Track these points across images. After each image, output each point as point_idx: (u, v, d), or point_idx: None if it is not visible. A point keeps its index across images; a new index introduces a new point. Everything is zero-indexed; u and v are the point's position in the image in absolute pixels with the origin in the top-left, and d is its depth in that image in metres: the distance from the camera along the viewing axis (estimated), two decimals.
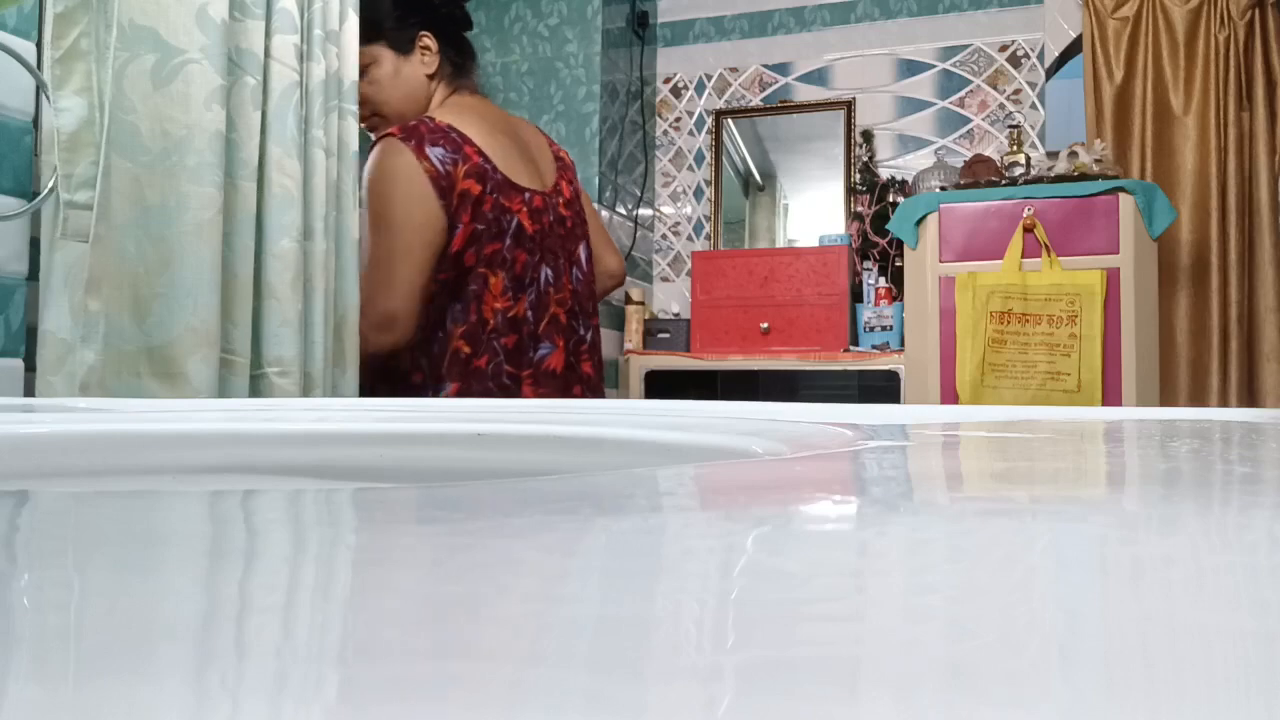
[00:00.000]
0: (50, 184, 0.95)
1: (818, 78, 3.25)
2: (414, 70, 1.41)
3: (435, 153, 1.31)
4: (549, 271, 1.44)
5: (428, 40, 1.41)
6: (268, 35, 1.10)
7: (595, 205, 2.93)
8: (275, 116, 1.11)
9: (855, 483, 0.26)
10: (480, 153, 1.36)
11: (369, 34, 1.34)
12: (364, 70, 1.35)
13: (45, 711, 0.08)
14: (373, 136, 1.43)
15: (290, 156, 1.11)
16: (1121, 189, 2.21)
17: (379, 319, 1.29)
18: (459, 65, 1.47)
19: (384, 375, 1.35)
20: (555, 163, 1.55)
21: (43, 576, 0.13)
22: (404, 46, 1.40)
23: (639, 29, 3.22)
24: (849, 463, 0.31)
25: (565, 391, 1.44)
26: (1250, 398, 2.55)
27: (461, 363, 1.33)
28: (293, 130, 1.12)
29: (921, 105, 3.14)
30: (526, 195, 1.41)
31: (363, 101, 1.36)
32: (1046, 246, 2.22)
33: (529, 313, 1.40)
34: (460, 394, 1.33)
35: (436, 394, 1.33)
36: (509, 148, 1.43)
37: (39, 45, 1.00)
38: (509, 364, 1.36)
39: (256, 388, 1.08)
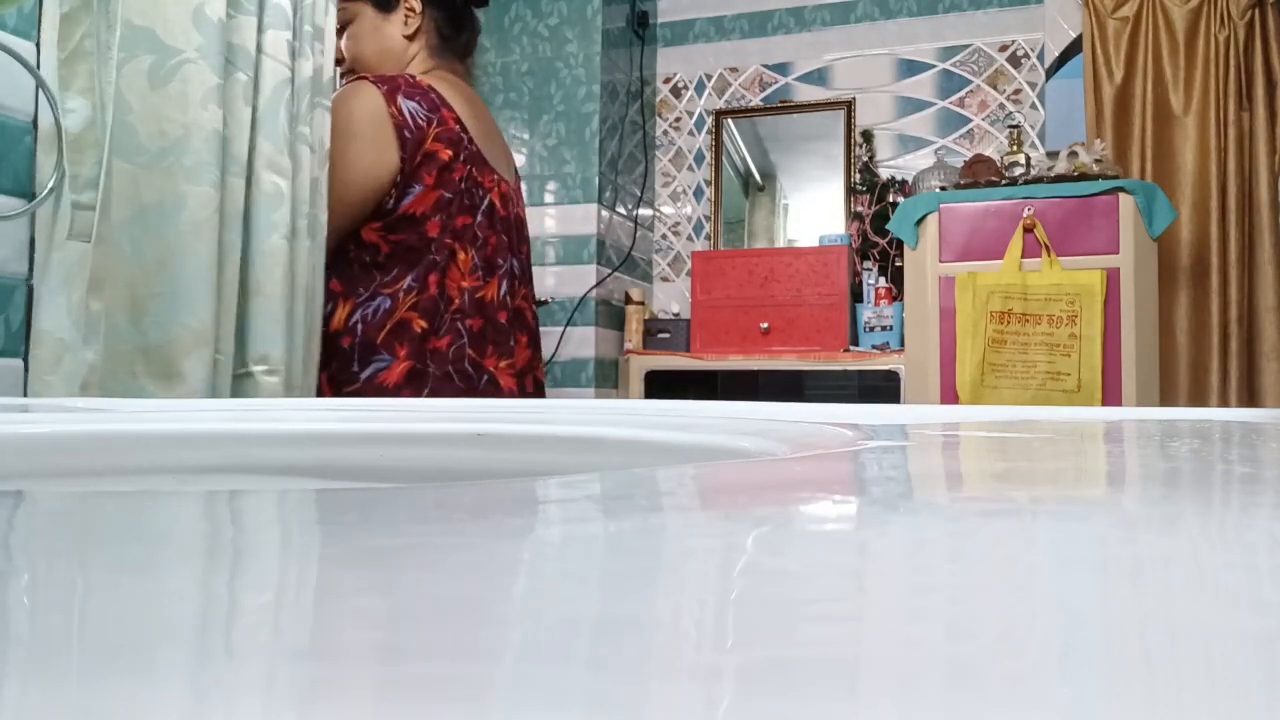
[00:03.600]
0: (50, 184, 0.95)
1: (818, 78, 3.25)
2: (393, 29, 1.37)
3: (408, 105, 1.27)
4: (516, 263, 1.39)
5: (413, 1, 1.38)
6: (260, 31, 1.10)
7: (595, 205, 2.94)
8: (267, 113, 1.10)
9: (855, 483, 0.26)
10: (458, 120, 1.32)
11: None
12: (344, 26, 1.35)
13: (45, 711, 0.08)
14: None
15: (281, 153, 1.10)
16: (1121, 189, 2.21)
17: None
18: (448, 39, 1.42)
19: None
20: (514, 170, 1.52)
21: (42, 576, 0.13)
22: (387, 3, 1.37)
23: (639, 29, 3.22)
24: (849, 463, 0.31)
25: (520, 392, 1.39)
26: (1250, 398, 2.55)
27: (415, 339, 1.25)
28: (284, 127, 1.11)
29: (921, 105, 3.14)
30: (496, 177, 1.38)
31: (340, 58, 1.35)
32: (1046, 246, 2.22)
33: (504, 297, 1.35)
34: (412, 373, 1.25)
35: (365, 366, 1.24)
36: (487, 130, 1.40)
37: (39, 45, 1.00)
38: (473, 349, 1.30)
39: (242, 387, 1.08)
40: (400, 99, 1.26)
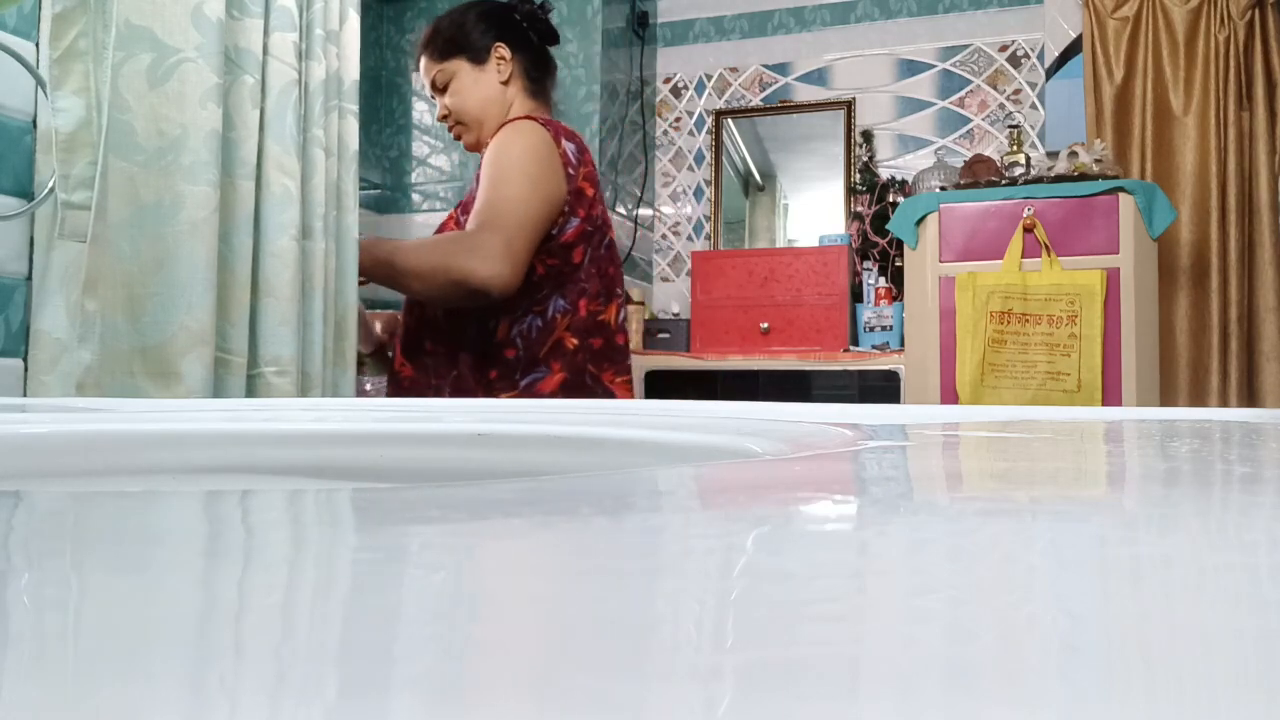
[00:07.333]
0: (50, 184, 0.95)
1: (818, 78, 3.25)
2: (490, 78, 1.50)
3: (568, 146, 1.43)
4: (622, 291, 1.53)
5: (503, 50, 1.50)
6: (266, 33, 1.10)
7: None
8: (274, 114, 1.11)
9: (855, 483, 0.26)
10: (594, 162, 1.48)
11: (449, 52, 1.48)
12: (446, 87, 1.48)
13: (43, 711, 0.08)
14: (462, 142, 1.53)
15: (289, 155, 1.11)
16: (1121, 189, 2.21)
17: (472, 245, 1.31)
18: (537, 80, 1.54)
19: (478, 345, 1.41)
20: None
21: (42, 576, 0.13)
22: (480, 56, 1.49)
23: (639, 29, 3.22)
24: (849, 463, 0.31)
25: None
26: (1250, 398, 2.55)
27: (568, 354, 1.42)
28: (292, 128, 1.12)
29: (921, 105, 3.14)
30: (610, 215, 1.54)
31: (448, 115, 1.50)
32: (1046, 246, 2.22)
33: (621, 322, 1.51)
34: (564, 384, 1.40)
35: (526, 374, 1.40)
36: None
37: (39, 45, 1.00)
38: (592, 365, 1.45)
39: (253, 387, 1.08)
40: (562, 139, 1.42)
